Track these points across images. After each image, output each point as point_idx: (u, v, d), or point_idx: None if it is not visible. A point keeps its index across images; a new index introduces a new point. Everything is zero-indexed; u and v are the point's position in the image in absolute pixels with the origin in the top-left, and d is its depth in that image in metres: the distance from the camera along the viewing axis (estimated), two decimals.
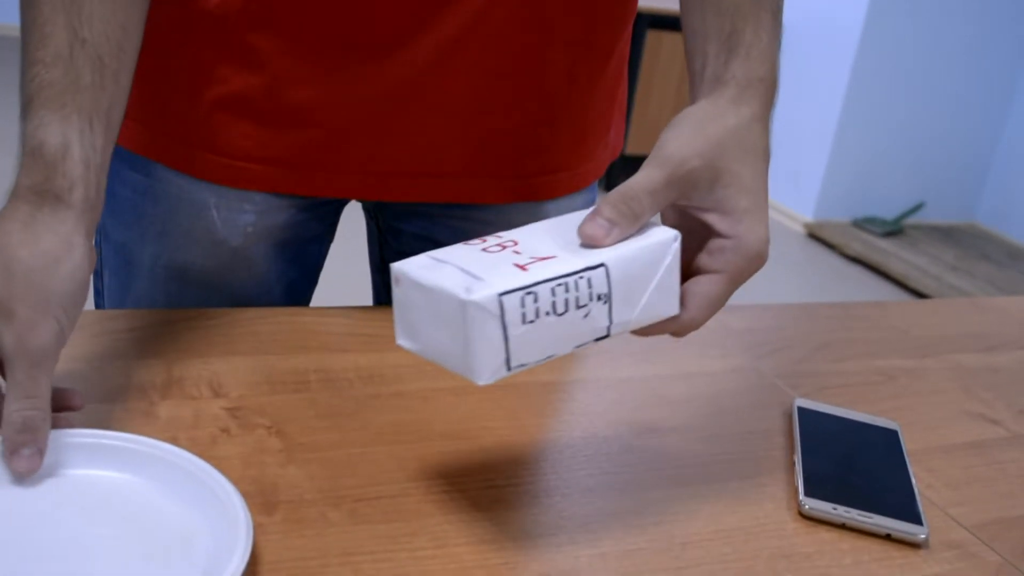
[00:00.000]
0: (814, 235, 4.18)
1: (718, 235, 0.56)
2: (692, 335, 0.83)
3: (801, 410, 0.73)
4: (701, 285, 0.57)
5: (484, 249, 0.52)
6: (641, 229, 0.55)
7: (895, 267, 3.85)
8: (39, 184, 0.54)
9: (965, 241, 4.39)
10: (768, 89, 0.60)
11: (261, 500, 0.54)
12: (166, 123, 0.78)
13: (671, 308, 0.56)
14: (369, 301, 0.99)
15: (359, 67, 0.74)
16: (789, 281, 3.66)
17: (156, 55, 0.74)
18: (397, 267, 0.51)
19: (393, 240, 0.92)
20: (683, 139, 0.55)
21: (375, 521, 0.54)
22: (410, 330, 0.52)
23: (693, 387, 0.76)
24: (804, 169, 4.29)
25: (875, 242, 4.13)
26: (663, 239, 0.54)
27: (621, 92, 0.90)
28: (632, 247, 0.53)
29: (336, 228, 0.90)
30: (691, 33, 0.64)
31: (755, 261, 0.57)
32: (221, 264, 0.82)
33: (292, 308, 0.78)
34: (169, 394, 0.63)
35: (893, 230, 4.26)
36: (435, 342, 0.50)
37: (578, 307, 0.51)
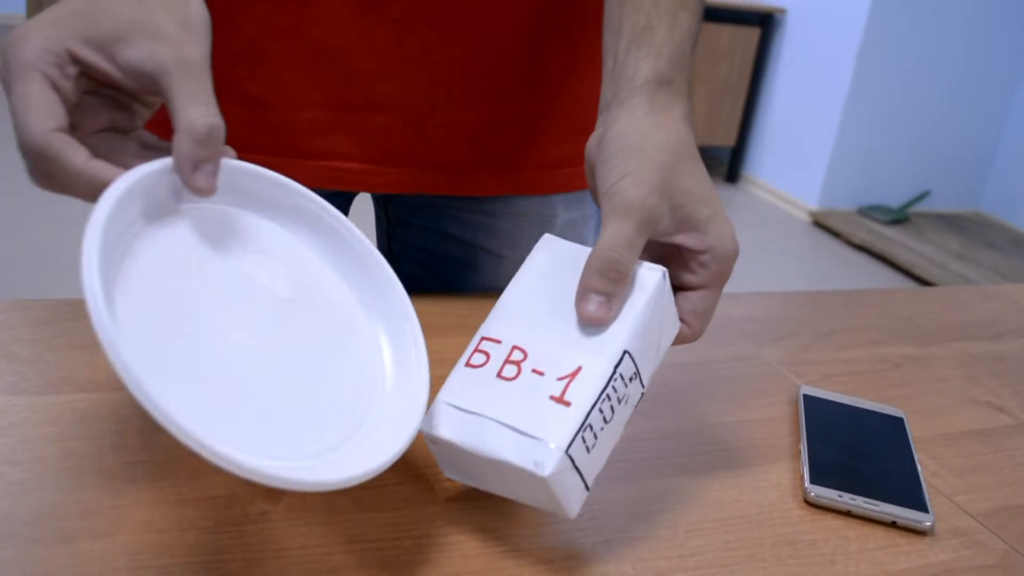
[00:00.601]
0: (819, 223, 4.18)
1: (692, 251, 0.56)
2: None
3: (807, 398, 0.73)
4: (694, 302, 0.57)
5: (499, 375, 0.52)
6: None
7: (900, 255, 3.84)
8: None
9: (970, 229, 4.38)
10: (679, 88, 0.59)
11: (266, 489, 0.54)
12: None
13: (675, 328, 0.57)
14: None
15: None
16: (794, 269, 3.65)
17: None
18: (426, 432, 0.52)
19: (401, 231, 0.92)
20: (635, 178, 0.54)
21: (380, 509, 0.54)
22: (459, 470, 0.53)
23: (697, 375, 0.76)
24: (809, 157, 4.28)
25: (880, 230, 4.12)
26: (655, 283, 0.54)
27: None
28: (636, 311, 0.53)
29: (348, 216, 0.91)
30: (607, 27, 0.63)
31: (732, 259, 0.56)
32: None
33: None
34: None
35: (898, 218, 4.26)
36: (500, 485, 0.52)
37: (619, 402, 0.53)
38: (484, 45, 0.76)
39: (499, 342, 0.53)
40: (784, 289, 1.55)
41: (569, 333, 0.53)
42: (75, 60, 0.48)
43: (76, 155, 0.47)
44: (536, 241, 0.58)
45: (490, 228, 0.87)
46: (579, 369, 0.51)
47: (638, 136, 0.55)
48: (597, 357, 0.52)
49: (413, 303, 0.56)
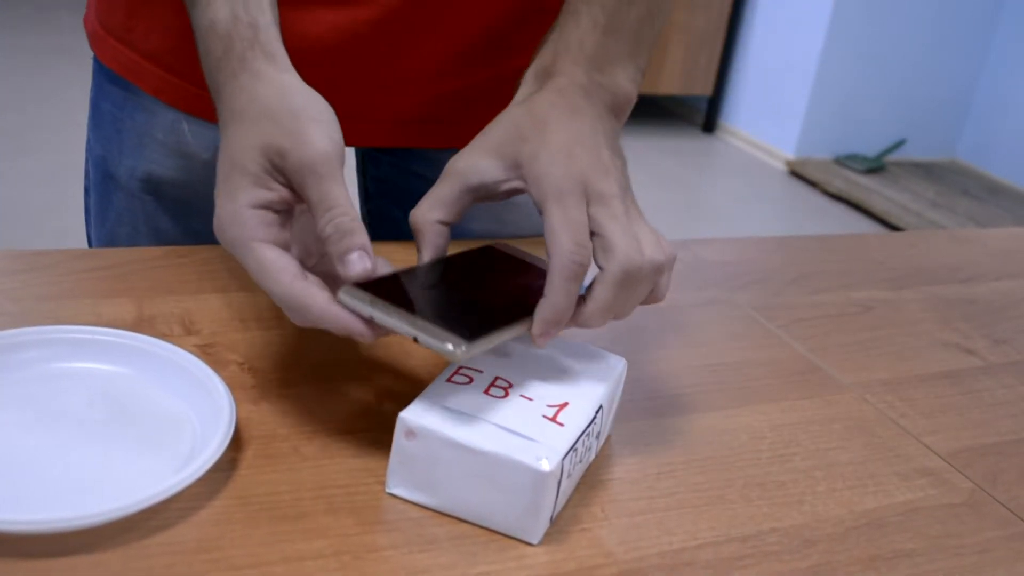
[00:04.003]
0: (796, 172, 4.17)
1: (525, 183, 0.56)
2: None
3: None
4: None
5: (487, 393, 0.52)
6: (594, 359, 0.58)
7: (877, 204, 3.85)
8: (237, 51, 0.55)
9: (946, 177, 4.39)
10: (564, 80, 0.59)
11: (233, 436, 0.53)
12: (146, 45, 0.78)
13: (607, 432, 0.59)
14: None
15: (326, 11, 0.73)
16: (770, 219, 3.66)
17: None
18: (411, 420, 0.50)
19: (374, 168, 0.92)
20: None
21: (348, 455, 0.54)
22: (417, 482, 0.51)
23: (668, 319, 0.76)
24: (785, 106, 4.27)
25: (857, 179, 4.13)
26: (620, 369, 0.58)
27: None
28: (608, 383, 0.56)
29: None
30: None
31: (562, 174, 0.53)
32: (194, 178, 0.80)
33: None
34: (140, 332, 0.62)
35: (875, 167, 4.26)
36: (465, 500, 0.50)
37: (586, 451, 0.54)
38: (463, 24, 0.76)
39: (481, 371, 0.54)
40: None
41: (553, 374, 0.55)
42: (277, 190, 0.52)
43: (314, 302, 0.50)
44: None
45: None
46: (567, 403, 0.53)
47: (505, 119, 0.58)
48: (582, 398, 0.53)
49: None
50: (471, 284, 0.56)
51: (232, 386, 0.55)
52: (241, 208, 0.51)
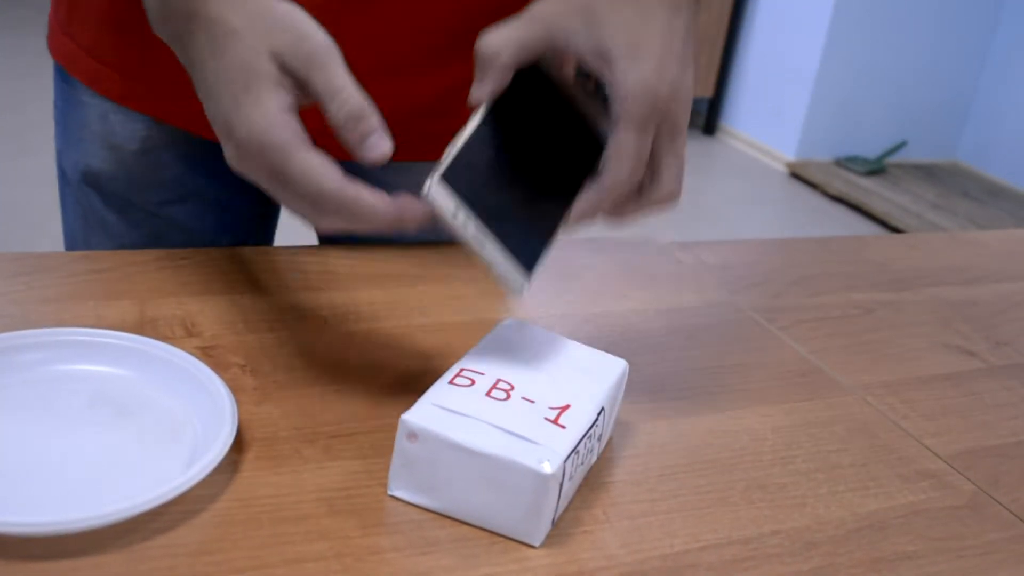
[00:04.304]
0: (796, 174, 4.18)
1: (608, 84, 0.55)
2: (667, 271, 0.83)
3: None
4: (613, 141, 0.55)
5: (488, 395, 0.52)
6: (595, 361, 0.58)
7: (877, 206, 3.85)
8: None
9: (947, 179, 4.39)
10: None
11: (235, 438, 0.53)
12: (83, 37, 0.78)
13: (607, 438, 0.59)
14: None
15: None
16: (771, 221, 3.66)
17: None
18: (413, 423, 0.50)
19: None
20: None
21: (350, 457, 0.54)
22: (418, 484, 0.51)
23: (670, 321, 0.76)
24: (786, 108, 4.27)
25: (857, 181, 4.13)
26: (620, 371, 0.58)
27: None
28: (608, 384, 0.56)
29: None
30: None
31: (645, 101, 0.54)
32: (125, 171, 0.80)
33: (264, 247, 0.77)
34: (142, 334, 0.62)
35: (875, 169, 4.26)
36: (466, 502, 0.50)
37: (588, 453, 0.54)
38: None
39: (483, 374, 0.54)
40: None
41: (554, 377, 0.55)
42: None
43: (372, 198, 0.50)
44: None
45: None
46: (568, 406, 0.53)
47: None
48: (584, 400, 0.54)
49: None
50: (527, 165, 0.57)
51: (234, 388, 0.55)
52: (275, 112, 0.50)
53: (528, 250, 0.54)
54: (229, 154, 0.52)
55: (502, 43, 0.55)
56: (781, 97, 4.29)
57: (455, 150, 0.52)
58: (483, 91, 0.55)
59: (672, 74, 0.55)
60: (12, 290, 0.65)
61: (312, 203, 0.51)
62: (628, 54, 0.54)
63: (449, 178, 0.50)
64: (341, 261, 0.76)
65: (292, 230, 0.91)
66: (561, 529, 0.51)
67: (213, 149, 0.81)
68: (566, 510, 0.52)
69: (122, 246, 0.82)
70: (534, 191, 0.57)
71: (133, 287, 0.67)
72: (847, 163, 4.26)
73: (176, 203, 0.83)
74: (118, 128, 0.79)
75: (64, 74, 0.81)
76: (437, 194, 0.50)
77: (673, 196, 0.57)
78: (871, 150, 4.41)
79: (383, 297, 0.71)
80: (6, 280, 0.66)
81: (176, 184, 0.82)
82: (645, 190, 0.57)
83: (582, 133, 0.59)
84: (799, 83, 4.21)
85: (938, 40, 4.31)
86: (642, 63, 0.54)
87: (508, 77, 0.55)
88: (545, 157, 0.58)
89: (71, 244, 0.87)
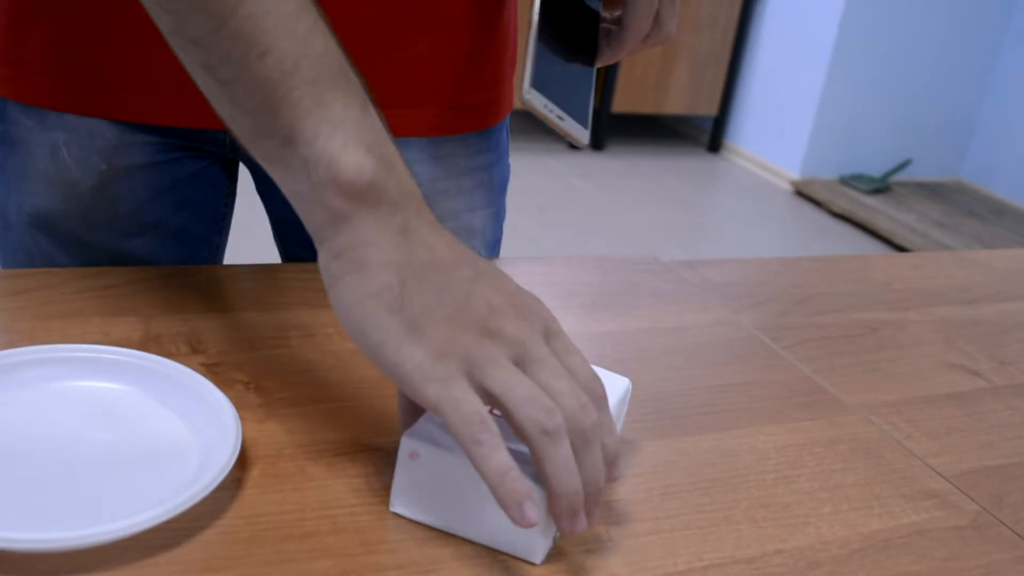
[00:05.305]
0: (800, 192, 4.18)
1: None
2: (671, 289, 0.83)
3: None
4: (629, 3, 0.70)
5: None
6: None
7: (882, 224, 3.86)
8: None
9: (951, 198, 4.40)
10: None
11: (239, 455, 0.54)
12: (17, 53, 0.74)
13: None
14: None
15: None
16: (776, 238, 3.66)
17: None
18: (415, 441, 0.50)
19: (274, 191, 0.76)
20: None
21: (354, 475, 0.54)
22: (421, 501, 0.51)
23: (674, 340, 0.76)
24: (790, 126, 4.28)
25: (862, 199, 4.13)
26: (624, 388, 0.58)
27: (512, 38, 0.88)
28: (612, 402, 0.55)
29: (236, 173, 0.86)
30: None
31: None
32: (81, 209, 0.77)
33: (270, 265, 0.78)
34: (147, 351, 0.62)
35: (880, 187, 4.26)
36: (469, 519, 0.50)
37: None
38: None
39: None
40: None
41: None
42: None
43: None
44: None
45: None
46: None
47: None
48: None
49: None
50: (568, 47, 0.70)
51: (238, 405, 0.55)
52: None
53: (582, 110, 0.68)
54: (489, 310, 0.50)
55: None
56: (786, 115, 4.30)
57: (530, 57, 0.64)
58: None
59: None
60: (18, 306, 0.65)
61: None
62: None
63: (534, 82, 0.63)
64: None
65: (239, 255, 0.89)
66: (563, 547, 0.51)
67: (176, 171, 0.79)
68: None
69: None
70: (574, 64, 0.71)
71: (139, 304, 0.68)
72: (852, 181, 4.27)
73: (134, 236, 0.80)
74: (71, 163, 0.76)
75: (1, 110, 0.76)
76: (531, 95, 0.62)
77: (671, 35, 0.73)
78: (876, 168, 4.42)
79: None
80: (12, 296, 0.66)
81: (132, 217, 0.79)
82: (652, 33, 0.72)
83: (588, 12, 0.74)
84: (804, 101, 4.22)
85: (942, 59, 4.33)
86: None
87: None
88: (575, 37, 0.72)
89: None
